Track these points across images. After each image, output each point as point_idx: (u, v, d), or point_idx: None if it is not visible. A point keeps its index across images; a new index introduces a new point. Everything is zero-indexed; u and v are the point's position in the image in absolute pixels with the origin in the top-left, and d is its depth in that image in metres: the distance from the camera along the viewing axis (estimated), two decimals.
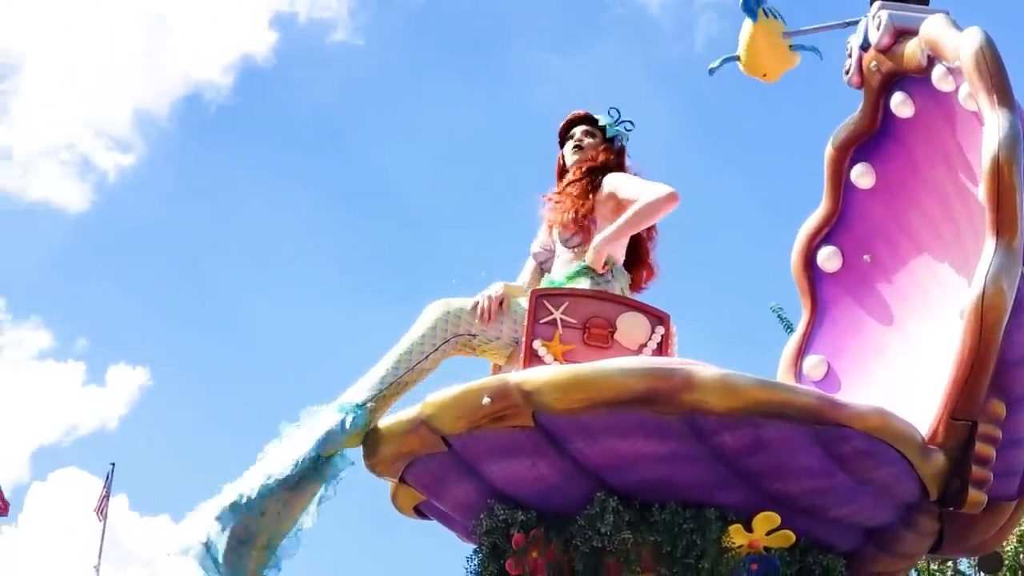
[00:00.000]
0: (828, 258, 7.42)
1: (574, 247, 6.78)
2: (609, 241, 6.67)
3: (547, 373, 5.78)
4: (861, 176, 7.29)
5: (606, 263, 6.63)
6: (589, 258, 6.65)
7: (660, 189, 6.71)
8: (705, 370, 5.69)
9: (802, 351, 7.44)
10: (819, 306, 7.47)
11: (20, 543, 45.11)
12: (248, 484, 6.21)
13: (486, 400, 5.77)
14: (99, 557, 27.21)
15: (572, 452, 5.81)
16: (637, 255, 7.02)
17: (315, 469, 6.25)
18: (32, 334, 65.75)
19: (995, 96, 6.15)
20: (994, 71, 6.19)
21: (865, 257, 7.33)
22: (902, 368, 6.97)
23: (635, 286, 7.02)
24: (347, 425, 6.28)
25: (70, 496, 49.18)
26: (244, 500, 6.16)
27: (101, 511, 27.06)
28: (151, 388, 58.99)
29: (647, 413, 5.64)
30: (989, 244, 6.02)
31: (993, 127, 6.07)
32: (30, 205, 58.06)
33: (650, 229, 7.00)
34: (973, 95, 6.27)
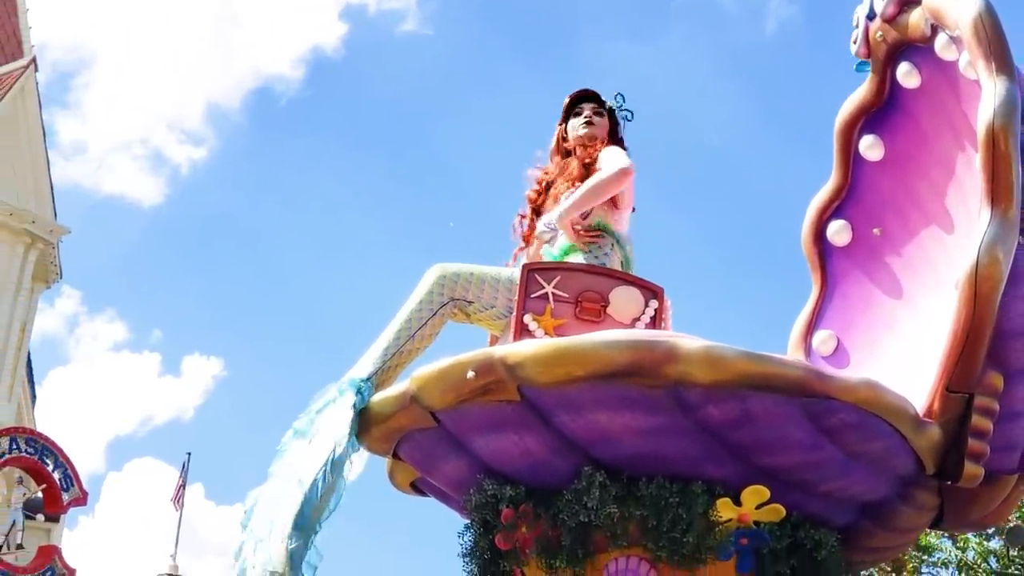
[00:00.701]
0: (838, 232, 7.33)
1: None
2: (567, 213, 6.73)
3: (530, 347, 5.74)
4: (870, 148, 7.19)
5: (597, 233, 6.66)
6: (564, 235, 6.74)
7: (615, 164, 6.77)
8: (689, 342, 5.63)
9: (812, 326, 7.35)
10: (829, 280, 7.38)
11: (97, 533, 45.75)
12: (292, 506, 6.14)
13: (470, 374, 5.76)
14: (175, 546, 27.39)
15: (558, 426, 5.78)
16: None
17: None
18: (107, 326, 66.62)
19: (994, 64, 6.05)
20: (993, 38, 6.08)
21: (875, 231, 7.23)
22: (912, 342, 6.86)
23: None
24: (359, 406, 6.30)
25: (146, 486, 49.79)
26: (306, 523, 6.13)
27: (177, 501, 27.28)
28: (225, 378, 59.77)
29: (632, 386, 5.60)
30: (984, 214, 5.92)
31: (989, 95, 5.97)
32: (105, 199, 58.90)
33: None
34: (972, 63, 6.16)
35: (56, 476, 20.60)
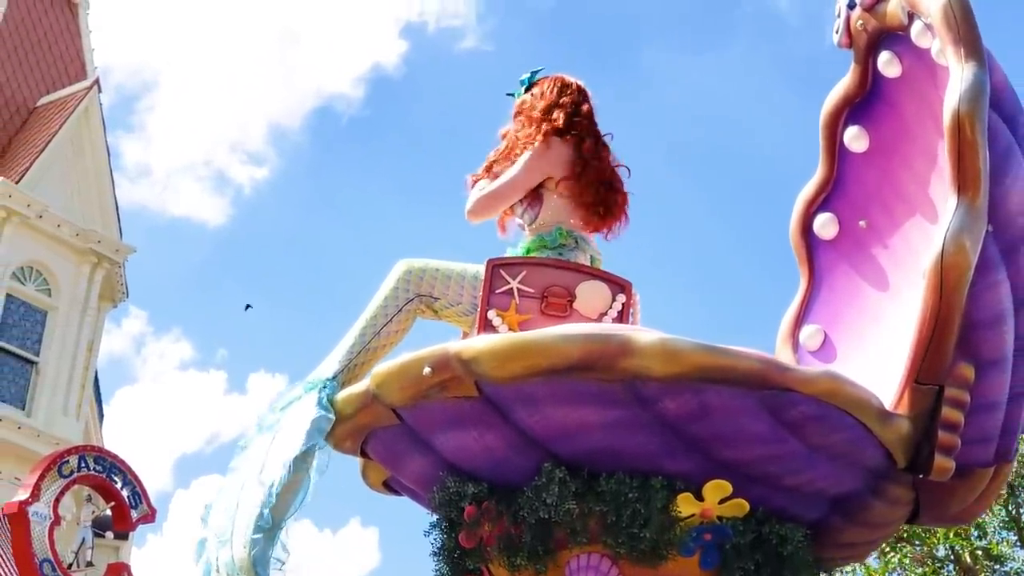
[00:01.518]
0: (824, 225, 7.17)
1: (528, 224, 6.73)
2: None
3: (485, 342, 5.70)
4: (854, 139, 7.05)
5: (568, 235, 6.59)
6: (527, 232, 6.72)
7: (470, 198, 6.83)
8: (645, 335, 5.58)
9: (800, 321, 7.22)
10: (816, 274, 7.23)
11: (165, 550, 46.02)
12: (253, 506, 6.18)
13: (427, 370, 5.73)
14: None
15: (516, 421, 5.73)
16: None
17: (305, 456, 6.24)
18: (174, 345, 67.30)
19: (963, 49, 5.94)
20: (963, 23, 5.97)
21: (861, 223, 7.08)
22: (898, 335, 6.72)
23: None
24: (324, 403, 6.28)
25: None
26: (267, 524, 6.15)
27: None
28: None
29: (588, 380, 5.54)
30: (951, 202, 5.82)
31: (956, 80, 5.87)
32: (172, 220, 59.48)
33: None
34: (942, 49, 6.06)
35: (124, 494, 20.71)
